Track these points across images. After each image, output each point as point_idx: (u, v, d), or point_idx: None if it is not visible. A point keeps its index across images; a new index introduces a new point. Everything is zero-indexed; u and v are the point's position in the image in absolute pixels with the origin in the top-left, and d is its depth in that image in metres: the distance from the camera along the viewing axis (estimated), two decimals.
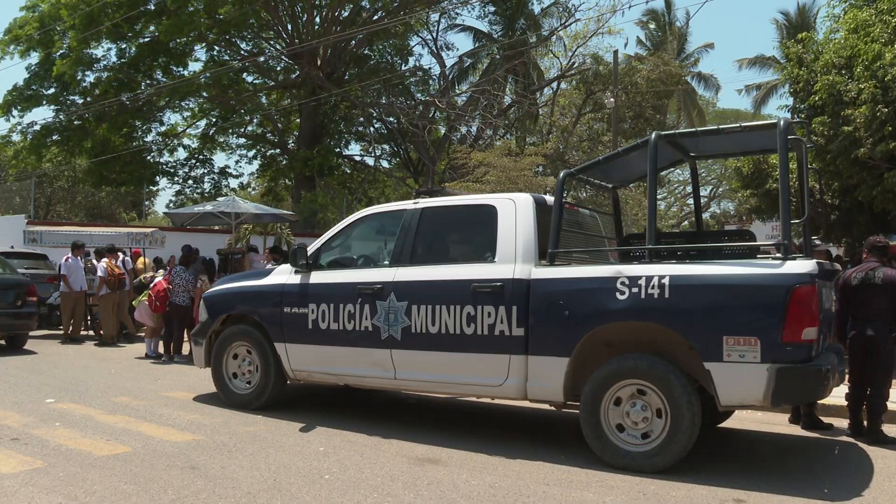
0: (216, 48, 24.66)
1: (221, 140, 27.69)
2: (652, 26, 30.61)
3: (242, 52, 25.34)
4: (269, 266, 9.64)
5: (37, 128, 23.15)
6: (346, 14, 23.89)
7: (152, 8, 21.28)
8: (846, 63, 9.81)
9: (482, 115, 23.49)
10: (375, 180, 29.12)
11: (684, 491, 4.11)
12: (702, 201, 16.04)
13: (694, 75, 30.52)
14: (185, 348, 9.90)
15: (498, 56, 25.23)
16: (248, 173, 43.68)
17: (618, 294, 4.58)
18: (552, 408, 5.55)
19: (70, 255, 11.79)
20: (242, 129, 27.24)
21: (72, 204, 37.00)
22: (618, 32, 41.06)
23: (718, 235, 7.40)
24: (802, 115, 10.31)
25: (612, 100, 20.06)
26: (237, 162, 32.67)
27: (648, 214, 5.00)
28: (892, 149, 8.72)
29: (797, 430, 6.00)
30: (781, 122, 4.60)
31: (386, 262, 5.69)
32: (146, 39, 22.77)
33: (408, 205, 5.84)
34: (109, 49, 23.45)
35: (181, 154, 28.02)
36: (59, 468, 4.30)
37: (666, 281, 4.44)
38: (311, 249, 6.03)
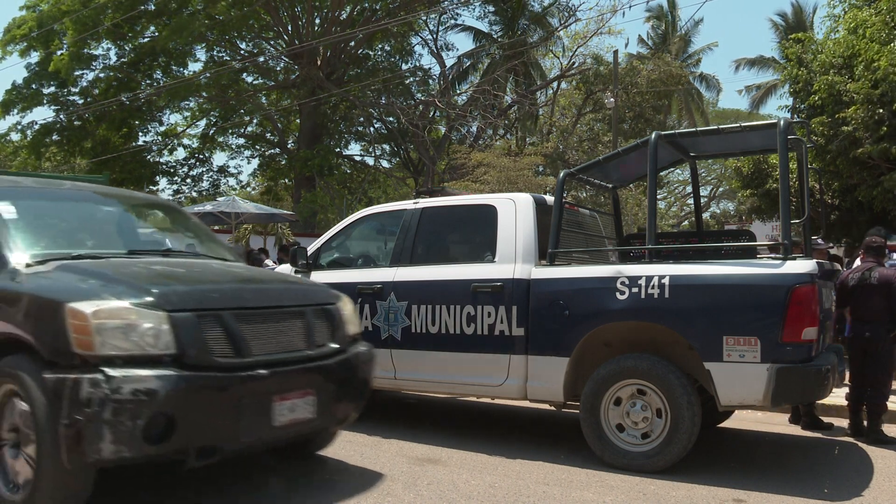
0: (216, 48, 24.67)
1: (221, 140, 27.71)
2: (655, 23, 30.58)
3: (242, 52, 25.35)
4: (270, 266, 9.62)
5: (36, 127, 23.17)
6: (345, 15, 23.89)
7: (152, 8, 21.29)
8: (846, 63, 9.81)
9: (482, 115, 23.48)
10: (375, 180, 29.12)
11: (684, 491, 4.11)
12: (702, 201, 16.05)
13: (696, 76, 30.52)
14: None
15: (498, 56, 25.23)
16: (248, 173, 43.61)
17: (618, 294, 4.58)
18: (552, 408, 5.55)
19: None
20: (242, 129, 27.25)
21: None
22: (618, 33, 41.15)
23: (718, 235, 7.40)
24: (802, 115, 10.30)
25: (612, 100, 20.06)
26: (233, 158, 32.71)
27: (648, 214, 5.00)
28: (890, 149, 8.73)
29: (797, 430, 6.00)
30: (781, 122, 4.60)
31: (386, 262, 5.69)
32: (146, 39, 22.79)
33: (408, 205, 5.84)
34: (109, 49, 23.49)
35: (181, 154, 28.07)
36: None
37: (666, 281, 4.44)
38: (311, 249, 6.03)
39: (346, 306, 4.22)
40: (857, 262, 6.58)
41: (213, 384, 3.22)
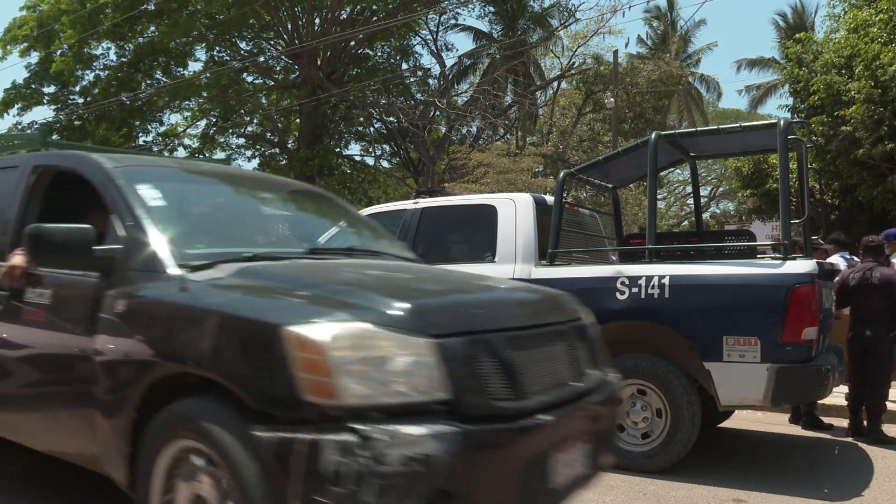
0: (216, 48, 24.71)
1: (221, 140, 27.73)
2: (655, 24, 30.62)
3: (242, 52, 25.37)
4: None
5: (36, 126, 23.19)
6: (345, 15, 23.92)
7: (152, 8, 21.32)
8: (846, 63, 9.83)
9: (482, 115, 23.50)
10: (375, 180, 29.13)
11: (684, 491, 4.11)
12: (702, 201, 16.08)
13: (696, 76, 30.54)
14: None
15: (498, 56, 25.25)
16: None
17: (618, 294, 4.58)
18: None
19: None
20: (242, 129, 27.27)
21: None
22: (618, 32, 41.17)
23: (718, 235, 7.41)
24: (802, 115, 10.32)
25: (612, 100, 20.07)
26: (234, 158, 32.66)
27: (648, 214, 5.00)
28: (890, 150, 8.74)
29: (797, 430, 6.00)
30: (781, 122, 4.60)
31: None
32: (146, 39, 22.82)
33: (408, 205, 5.84)
34: (109, 48, 23.53)
35: (181, 154, 28.06)
36: None
37: (666, 281, 4.44)
38: None
39: (593, 319, 3.27)
40: (835, 258, 6.63)
41: (499, 441, 2.20)
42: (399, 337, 2.14)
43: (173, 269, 2.57)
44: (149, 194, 2.90)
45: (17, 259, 2.98)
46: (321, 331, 2.09)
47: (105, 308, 2.62)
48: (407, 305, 2.26)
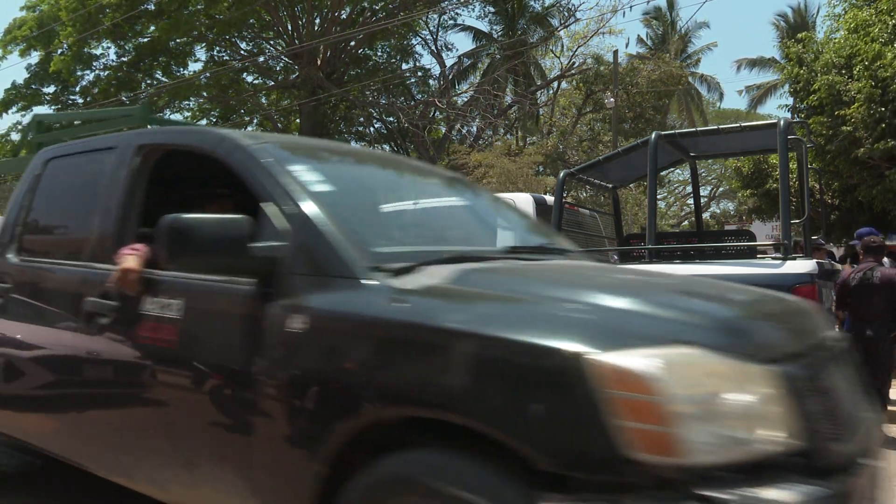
0: (216, 48, 24.76)
1: None
2: (655, 24, 30.67)
3: (242, 52, 25.40)
4: None
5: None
6: (345, 15, 23.95)
7: (152, 8, 21.36)
8: (846, 63, 9.84)
9: (482, 115, 23.52)
10: None
11: None
12: (702, 201, 16.10)
13: (697, 76, 30.57)
14: None
15: (498, 56, 25.28)
16: None
17: None
18: None
19: None
20: (242, 130, 27.28)
21: None
22: (618, 33, 41.26)
23: (718, 235, 7.42)
24: (802, 115, 10.33)
25: (612, 100, 20.08)
26: None
27: (648, 214, 5.01)
28: (891, 148, 8.75)
29: None
30: (781, 122, 4.61)
31: None
32: (146, 39, 22.87)
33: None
34: (109, 48, 23.58)
35: None
36: None
37: None
38: None
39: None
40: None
41: (852, 499, 1.66)
42: (738, 365, 1.55)
43: (367, 274, 1.90)
44: (308, 177, 2.24)
45: (131, 261, 2.39)
46: (645, 360, 1.49)
47: (271, 326, 1.96)
48: (730, 322, 1.71)
